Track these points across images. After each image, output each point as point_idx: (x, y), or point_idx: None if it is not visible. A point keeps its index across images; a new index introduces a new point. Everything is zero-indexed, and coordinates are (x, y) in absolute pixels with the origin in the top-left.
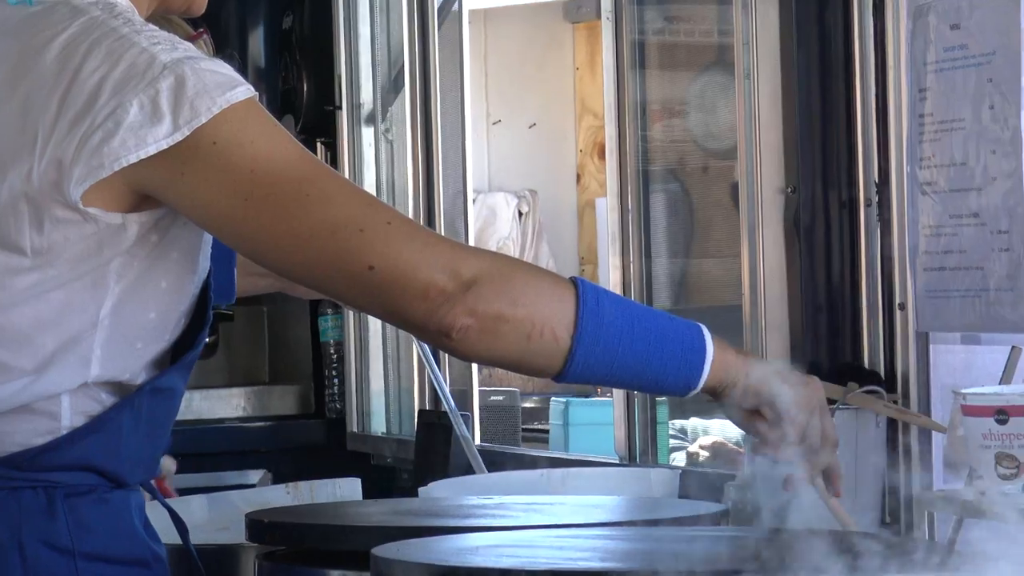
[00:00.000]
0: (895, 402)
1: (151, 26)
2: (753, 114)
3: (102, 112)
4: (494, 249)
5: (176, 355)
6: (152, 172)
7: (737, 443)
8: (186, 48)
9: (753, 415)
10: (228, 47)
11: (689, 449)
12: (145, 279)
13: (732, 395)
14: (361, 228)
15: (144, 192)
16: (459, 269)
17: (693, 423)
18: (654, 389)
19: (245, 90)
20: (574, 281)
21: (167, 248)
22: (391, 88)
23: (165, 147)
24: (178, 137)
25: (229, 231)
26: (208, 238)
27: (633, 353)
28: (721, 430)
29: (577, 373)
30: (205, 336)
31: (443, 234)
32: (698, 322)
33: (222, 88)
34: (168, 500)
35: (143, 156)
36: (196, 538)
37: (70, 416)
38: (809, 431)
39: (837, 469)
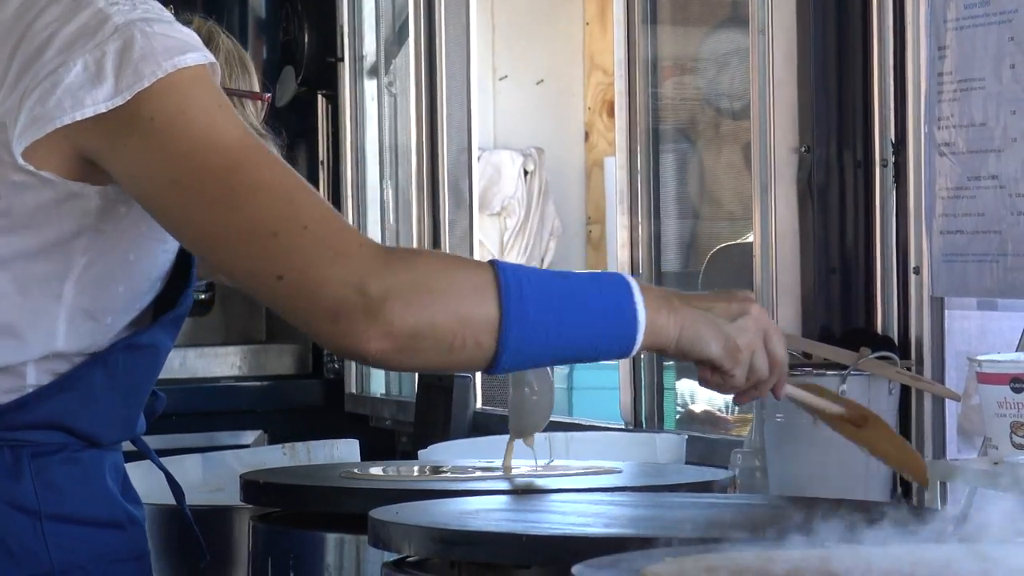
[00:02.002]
0: (909, 369)
1: None
2: (767, 71)
3: (45, 68)
4: (499, 210)
5: (158, 312)
6: (90, 136)
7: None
8: (147, 9)
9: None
10: None
11: (692, 408)
12: (113, 252)
13: (668, 354)
14: (275, 232)
15: (88, 157)
16: (369, 286)
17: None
18: (586, 362)
19: (197, 56)
20: (495, 273)
21: (136, 220)
22: (395, 40)
23: (103, 111)
24: (119, 101)
25: (158, 213)
26: None
27: (562, 340)
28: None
29: (505, 369)
30: (190, 296)
31: (446, 193)
32: (626, 278)
33: (170, 53)
34: (166, 459)
35: (78, 118)
36: (190, 499)
37: (36, 375)
38: (755, 368)
39: (783, 378)
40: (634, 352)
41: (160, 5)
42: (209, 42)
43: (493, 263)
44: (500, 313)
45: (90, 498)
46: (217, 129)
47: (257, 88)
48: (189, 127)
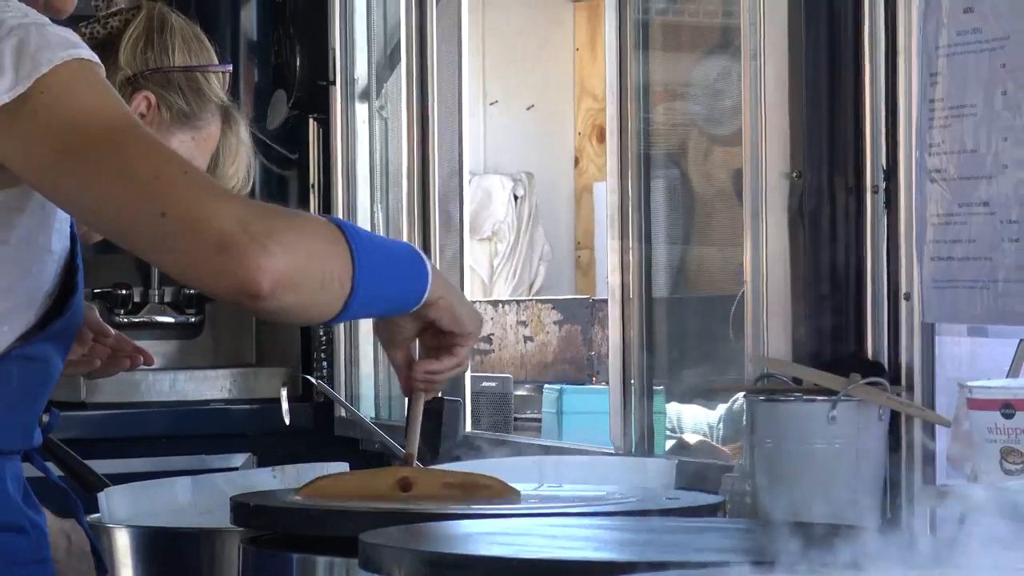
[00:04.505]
0: (899, 394)
1: (14, 2)
2: (759, 97)
3: None
4: (489, 234)
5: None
6: None
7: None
8: (38, 16)
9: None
10: (218, 18)
11: (685, 439)
12: (6, 264)
13: (429, 307)
14: (156, 175)
15: None
16: (252, 224)
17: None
18: (388, 315)
19: (87, 53)
20: (340, 226)
21: (32, 230)
22: (386, 64)
23: (7, 100)
24: (20, 89)
25: (47, 183)
26: (58, 221)
27: (390, 289)
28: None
29: (350, 315)
30: (72, 304)
31: (437, 218)
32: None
33: (64, 45)
34: (156, 481)
35: None
36: (180, 521)
37: None
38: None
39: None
40: (418, 306)
41: (47, 18)
42: (163, 24)
43: (327, 217)
44: (352, 258)
45: None
46: (108, 104)
47: (216, 61)
48: (79, 99)
